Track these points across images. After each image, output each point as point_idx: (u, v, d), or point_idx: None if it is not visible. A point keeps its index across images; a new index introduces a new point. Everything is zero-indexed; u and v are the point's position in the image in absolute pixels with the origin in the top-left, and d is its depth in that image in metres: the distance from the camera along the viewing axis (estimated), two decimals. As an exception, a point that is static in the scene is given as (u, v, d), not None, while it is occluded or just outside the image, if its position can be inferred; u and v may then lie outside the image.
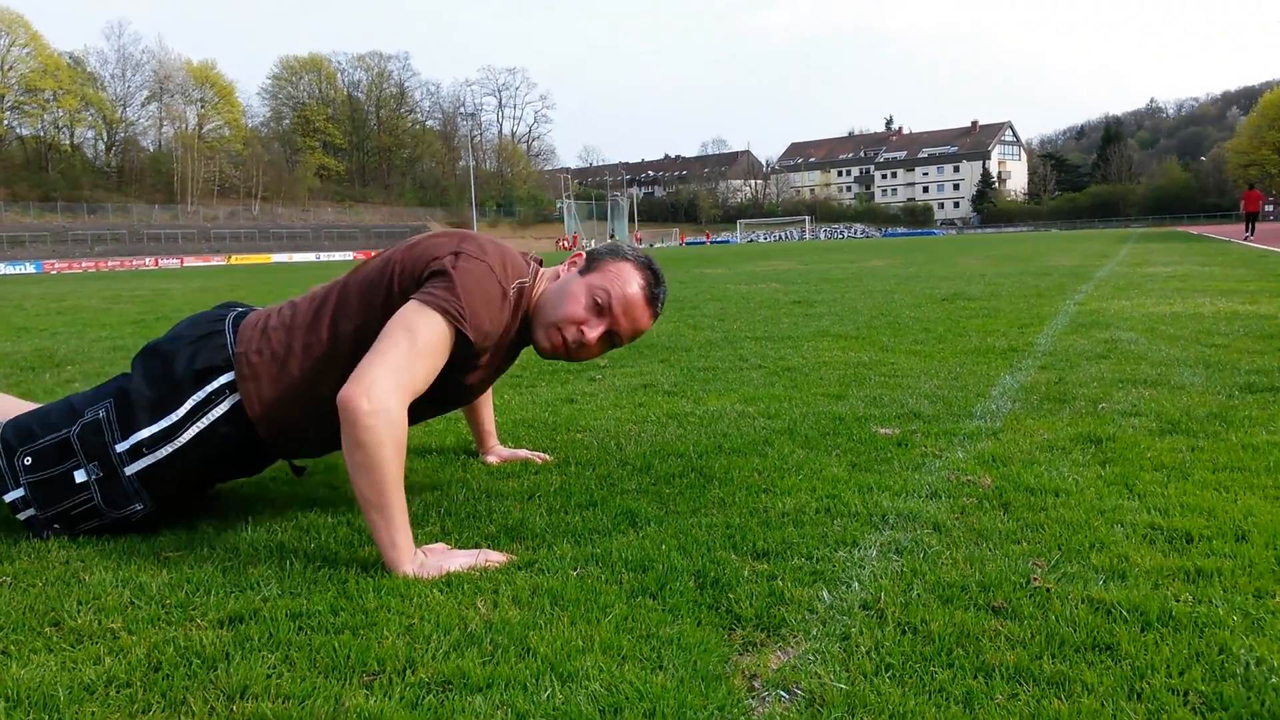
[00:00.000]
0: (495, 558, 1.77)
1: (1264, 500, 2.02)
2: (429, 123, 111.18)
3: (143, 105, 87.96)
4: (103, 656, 1.40)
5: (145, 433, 1.92)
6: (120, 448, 1.92)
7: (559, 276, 2.14)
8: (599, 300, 2.04)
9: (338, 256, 69.46)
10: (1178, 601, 1.50)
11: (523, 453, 2.61)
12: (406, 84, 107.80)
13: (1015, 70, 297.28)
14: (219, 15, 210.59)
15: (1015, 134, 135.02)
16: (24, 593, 1.68)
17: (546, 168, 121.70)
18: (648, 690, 1.24)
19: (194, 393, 1.94)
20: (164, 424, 1.93)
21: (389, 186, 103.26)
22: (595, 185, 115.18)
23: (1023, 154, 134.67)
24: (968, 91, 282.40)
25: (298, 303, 2.09)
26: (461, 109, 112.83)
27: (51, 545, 1.92)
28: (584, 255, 2.16)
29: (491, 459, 2.58)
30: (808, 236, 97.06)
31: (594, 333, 2.05)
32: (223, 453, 1.99)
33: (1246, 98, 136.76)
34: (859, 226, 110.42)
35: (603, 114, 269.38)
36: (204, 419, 1.94)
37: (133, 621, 1.53)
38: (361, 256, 67.92)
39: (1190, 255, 14.97)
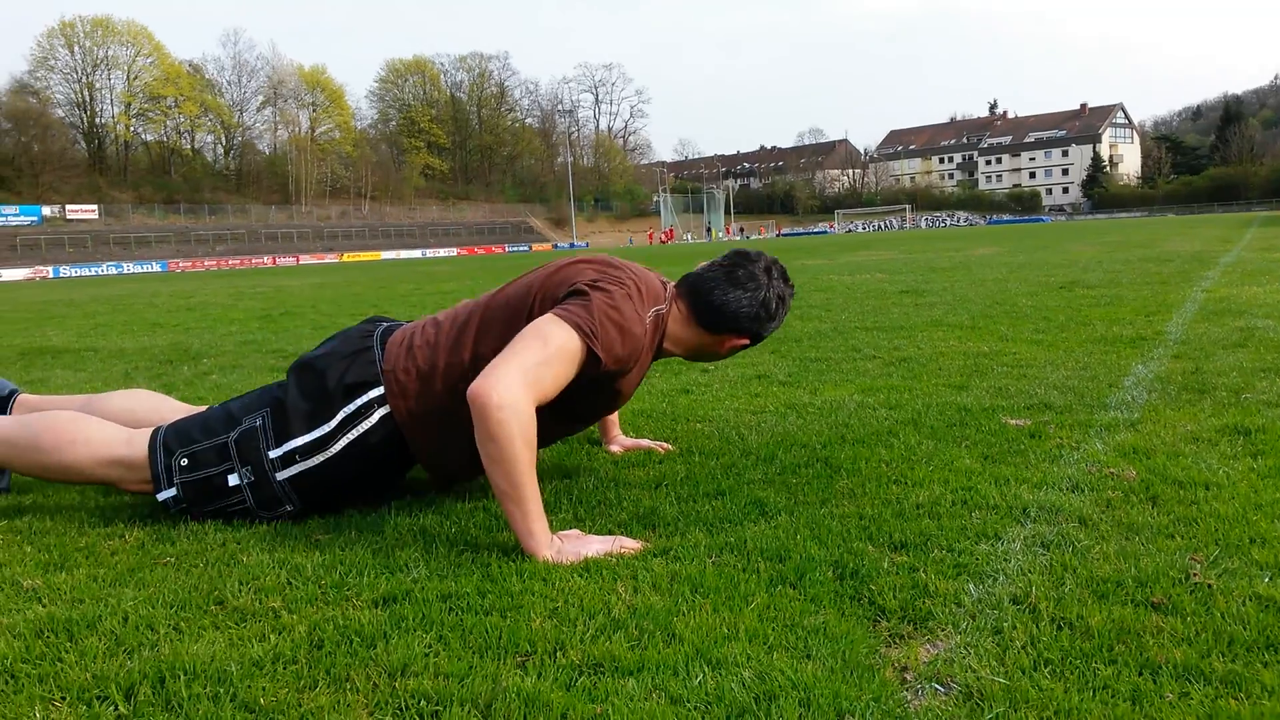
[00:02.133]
0: (630, 544, 1.79)
1: None
2: (528, 120, 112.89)
3: (258, 110, 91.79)
4: (267, 634, 1.47)
5: (299, 441, 2.02)
6: (274, 454, 2.02)
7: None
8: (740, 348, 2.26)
9: (442, 253, 71.14)
10: (1356, 601, 1.42)
11: (645, 442, 2.63)
12: (506, 83, 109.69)
13: (1127, 49, 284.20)
14: (327, 20, 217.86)
15: (1127, 115, 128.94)
16: (187, 573, 1.77)
17: (642, 162, 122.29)
18: (799, 679, 1.24)
19: (345, 405, 2.03)
20: (317, 434, 2.02)
21: (490, 184, 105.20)
22: (691, 178, 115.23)
23: (1135, 136, 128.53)
24: (1076, 72, 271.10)
25: (441, 321, 2.17)
26: (559, 106, 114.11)
27: (209, 528, 2.02)
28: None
29: (615, 448, 2.62)
30: (908, 226, 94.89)
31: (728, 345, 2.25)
32: (372, 464, 2.07)
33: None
34: (962, 214, 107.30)
35: (697, 106, 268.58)
36: (355, 430, 2.02)
37: (292, 601, 1.60)
38: (465, 253, 69.64)
39: (1328, 238, 14.08)
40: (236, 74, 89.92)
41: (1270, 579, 1.52)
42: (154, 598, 1.64)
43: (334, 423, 2.02)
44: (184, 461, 2.05)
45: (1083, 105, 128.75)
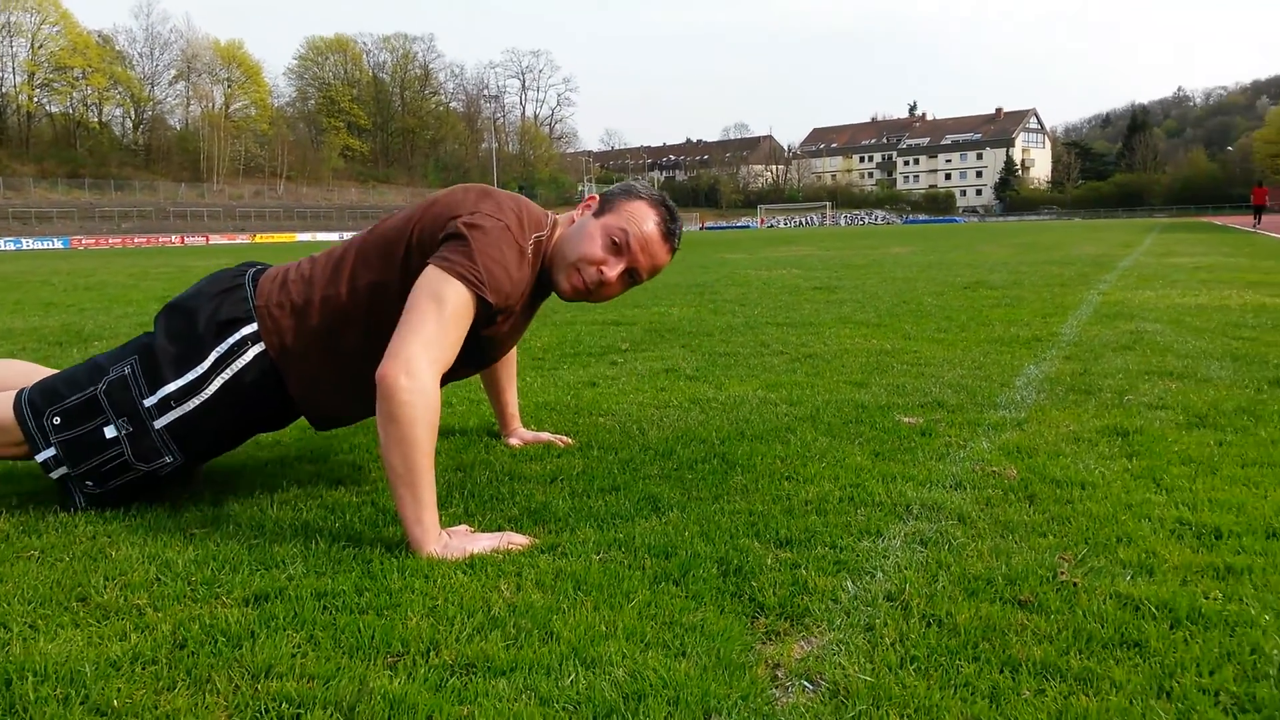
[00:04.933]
0: (518, 540, 1.77)
1: (1295, 497, 1.99)
2: (453, 104, 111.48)
3: (170, 84, 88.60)
4: (129, 633, 1.41)
5: (172, 386, 1.95)
6: (148, 402, 1.94)
7: (574, 222, 2.16)
8: (616, 240, 2.06)
9: (359, 236, 69.59)
10: (1207, 599, 1.48)
11: (545, 435, 2.61)
12: (431, 65, 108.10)
13: (1041, 57, 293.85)
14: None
15: (1040, 121, 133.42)
16: (51, 567, 1.69)
17: (569, 150, 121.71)
18: (671, 678, 1.24)
19: (217, 345, 1.97)
20: (190, 377, 1.95)
21: (412, 168, 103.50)
22: (617, 169, 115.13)
23: (1047, 142, 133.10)
24: (992, 78, 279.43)
25: (316, 258, 2.13)
26: (485, 91, 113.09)
27: (79, 519, 1.93)
28: (597, 198, 2.17)
29: (514, 441, 2.59)
30: (828, 223, 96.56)
31: (614, 271, 2.06)
32: (250, 404, 2.01)
33: (1277, 86, 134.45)
34: (880, 213, 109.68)
35: (625, 97, 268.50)
36: (228, 370, 1.96)
37: (159, 598, 1.54)
38: (382, 237, 68.28)
39: (1216, 246, 14.79)
40: (149, 46, 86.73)
41: (1132, 577, 1.58)
42: (12, 594, 1.56)
43: (206, 364, 1.96)
44: (56, 420, 1.95)
45: (998, 109, 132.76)
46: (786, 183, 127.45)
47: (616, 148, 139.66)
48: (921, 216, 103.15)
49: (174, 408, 1.94)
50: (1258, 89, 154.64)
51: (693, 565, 1.63)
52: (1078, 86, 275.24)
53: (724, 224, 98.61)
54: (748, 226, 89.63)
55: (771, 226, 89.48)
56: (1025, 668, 1.28)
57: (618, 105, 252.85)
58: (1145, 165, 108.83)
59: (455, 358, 1.87)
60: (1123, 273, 8.96)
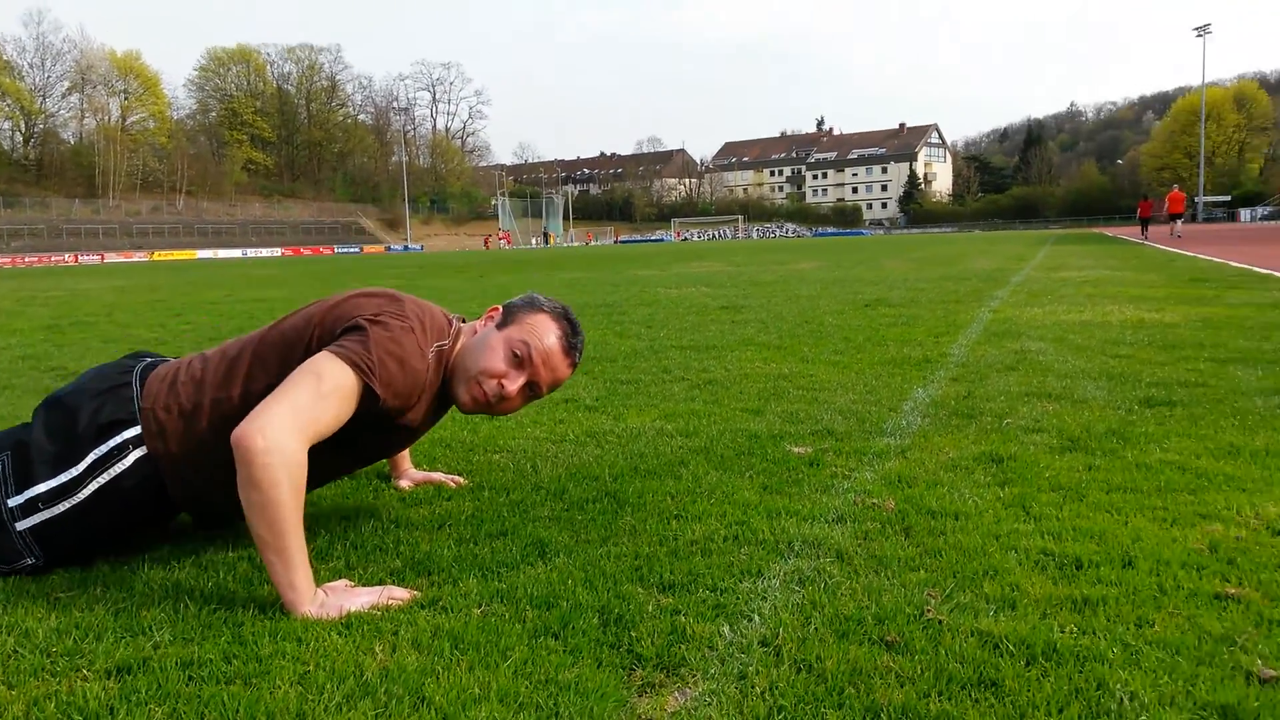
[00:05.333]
0: (399, 595, 1.75)
1: (1152, 523, 2.10)
2: (361, 117, 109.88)
3: (63, 96, 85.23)
4: (-22, 713, 1.35)
5: (42, 487, 1.86)
6: (13, 502, 1.85)
7: (476, 332, 2.16)
8: (518, 353, 2.07)
9: (265, 253, 67.98)
10: (1063, 633, 1.55)
11: (437, 476, 2.59)
12: (338, 77, 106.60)
13: (943, 73, 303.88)
14: (144, 4, 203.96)
15: (941, 136, 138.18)
16: (-100, 641, 1.61)
17: (481, 164, 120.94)
18: (541, 741, 1.24)
19: (96, 447, 1.88)
20: (63, 479, 1.86)
21: (319, 181, 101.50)
22: (530, 182, 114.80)
23: (948, 156, 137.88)
24: (897, 95, 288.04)
25: (209, 356, 2.05)
26: (395, 103, 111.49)
27: (-67, 587, 1.84)
28: (500, 309, 2.19)
29: (404, 483, 2.56)
30: (740, 236, 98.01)
31: (514, 385, 2.07)
32: (127, 508, 1.93)
33: (1161, 103, 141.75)
34: (790, 226, 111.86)
35: (539, 111, 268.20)
36: (106, 474, 1.88)
37: (14, 672, 1.48)
38: (290, 253, 66.61)
39: (1104, 259, 15.48)
40: (40, 56, 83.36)
41: (995, 613, 1.64)
42: None
43: (82, 466, 1.87)
44: None
45: (901, 125, 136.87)
46: (700, 196, 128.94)
47: (530, 161, 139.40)
48: (830, 229, 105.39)
49: (41, 510, 1.86)
50: (1144, 104, 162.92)
51: (573, 617, 1.64)
52: (977, 102, 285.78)
53: (639, 238, 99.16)
54: (663, 240, 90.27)
55: (686, 239, 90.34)
56: (886, 713, 1.32)
57: (531, 118, 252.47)
58: (1041, 178, 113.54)
59: (327, 433, 1.82)
60: (1014, 288, 9.31)
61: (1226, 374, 3.92)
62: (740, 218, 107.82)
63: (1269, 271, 10.71)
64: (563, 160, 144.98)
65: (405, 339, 1.93)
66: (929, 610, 1.64)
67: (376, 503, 2.42)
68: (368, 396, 1.86)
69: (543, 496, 2.40)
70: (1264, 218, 71.40)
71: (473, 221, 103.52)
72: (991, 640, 1.53)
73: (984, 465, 2.61)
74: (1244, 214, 74.61)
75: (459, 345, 2.13)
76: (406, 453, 2.62)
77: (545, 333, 2.10)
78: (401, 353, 1.91)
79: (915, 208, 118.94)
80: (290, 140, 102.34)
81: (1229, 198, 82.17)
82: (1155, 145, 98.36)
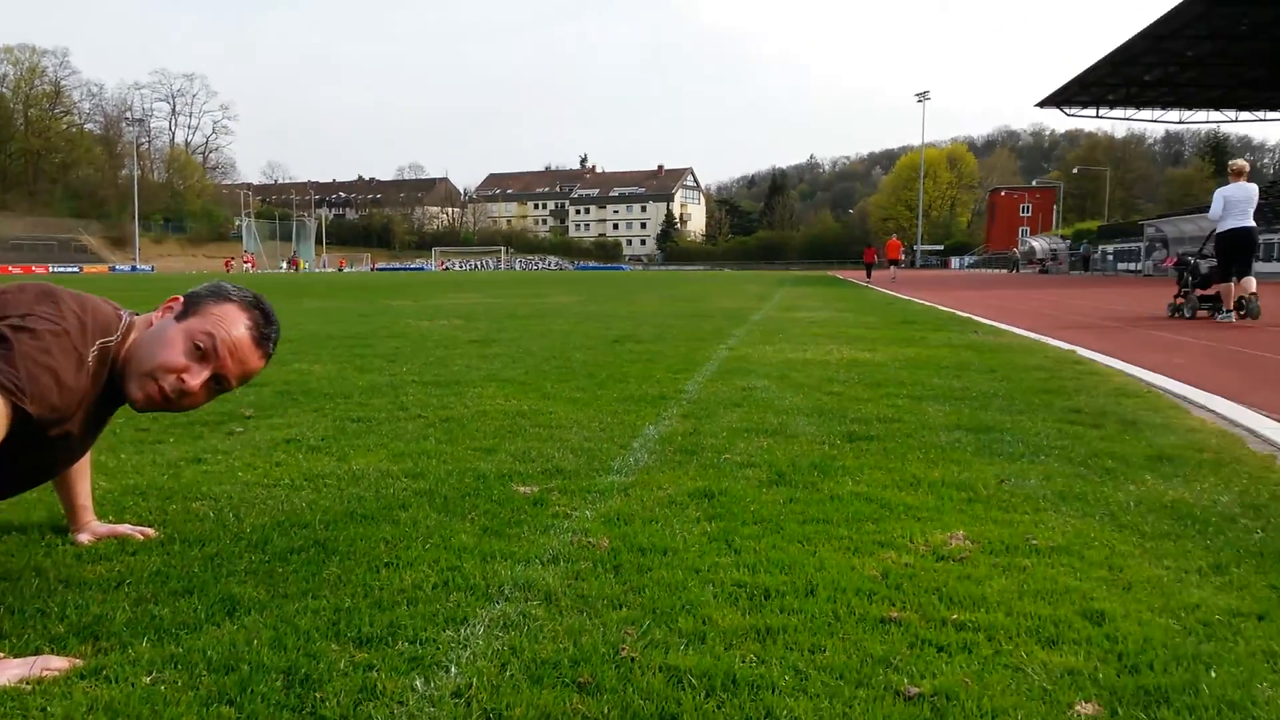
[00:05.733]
0: (56, 665, 1.58)
1: (836, 552, 2.27)
2: (88, 126, 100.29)
3: None
4: None
5: None
6: None
7: (152, 324, 2.01)
8: (201, 345, 1.95)
9: (-38, 270, 59.95)
10: (743, 663, 1.64)
11: (123, 528, 2.36)
12: (64, 82, 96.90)
13: (697, 119, 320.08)
14: None
15: (696, 180, 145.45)
16: None
17: (225, 181, 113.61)
18: (194, 822, 1.15)
19: None
20: None
21: (35, 193, 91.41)
22: (281, 204, 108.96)
23: (702, 198, 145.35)
24: (655, 137, 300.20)
25: None
26: (128, 113, 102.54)
27: None
28: (181, 300, 2.05)
29: (84, 537, 2.31)
30: (503, 267, 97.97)
31: (196, 380, 1.95)
32: None
33: (888, 159, 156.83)
34: (553, 259, 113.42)
35: (292, 130, 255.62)
36: None
37: None
38: (-6, 271, 59.13)
39: (832, 301, 16.81)
40: None
41: (685, 646, 1.71)
42: None
43: None
44: None
45: (659, 167, 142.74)
46: (463, 226, 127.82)
47: (281, 181, 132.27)
48: (592, 263, 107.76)
49: None
50: (873, 159, 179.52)
51: (254, 680, 1.54)
52: (729, 149, 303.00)
53: (396, 265, 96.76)
54: (422, 269, 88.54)
55: (448, 269, 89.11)
56: (567, 758, 1.33)
57: (284, 139, 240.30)
58: (783, 223, 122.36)
59: None
60: (751, 326, 9.90)
61: (920, 410, 4.34)
62: (504, 249, 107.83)
63: (969, 315, 12.05)
64: (317, 182, 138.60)
65: (57, 344, 1.74)
66: (623, 649, 1.69)
67: (46, 560, 2.17)
68: (19, 417, 1.67)
69: (242, 548, 2.25)
70: (970, 265, 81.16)
71: (213, 243, 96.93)
72: (677, 675, 1.59)
73: (697, 500, 2.72)
74: (955, 261, 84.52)
75: (130, 340, 1.97)
76: (88, 504, 2.38)
77: (233, 323, 1.99)
78: (53, 362, 1.72)
79: (672, 245, 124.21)
80: (3, 148, 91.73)
81: (942, 247, 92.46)
82: (881, 197, 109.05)
